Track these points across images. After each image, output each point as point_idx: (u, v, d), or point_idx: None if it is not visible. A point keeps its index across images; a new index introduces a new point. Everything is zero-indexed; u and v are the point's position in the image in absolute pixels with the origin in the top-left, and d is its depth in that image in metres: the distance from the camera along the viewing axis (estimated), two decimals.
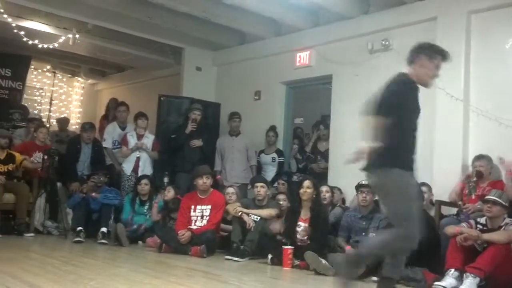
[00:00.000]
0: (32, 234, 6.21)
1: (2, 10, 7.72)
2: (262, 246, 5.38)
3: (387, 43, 6.40)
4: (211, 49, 9.01)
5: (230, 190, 6.16)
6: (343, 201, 6.32)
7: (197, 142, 7.09)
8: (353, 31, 6.85)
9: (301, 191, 5.25)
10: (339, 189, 6.32)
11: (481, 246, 4.15)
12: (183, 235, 5.51)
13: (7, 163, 6.39)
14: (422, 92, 3.35)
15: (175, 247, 5.51)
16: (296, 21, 7.42)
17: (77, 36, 8.36)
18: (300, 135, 8.14)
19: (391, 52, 6.35)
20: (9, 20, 7.95)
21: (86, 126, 7.25)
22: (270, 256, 5.15)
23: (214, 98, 8.79)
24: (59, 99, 11.92)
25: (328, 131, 7.14)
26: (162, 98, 8.14)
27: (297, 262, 4.93)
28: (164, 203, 6.28)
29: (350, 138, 6.65)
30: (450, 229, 4.39)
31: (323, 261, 4.62)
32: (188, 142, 7.07)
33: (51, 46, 8.67)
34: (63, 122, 9.03)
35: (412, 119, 3.24)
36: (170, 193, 6.24)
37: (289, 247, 5.01)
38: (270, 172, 7.31)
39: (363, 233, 5.01)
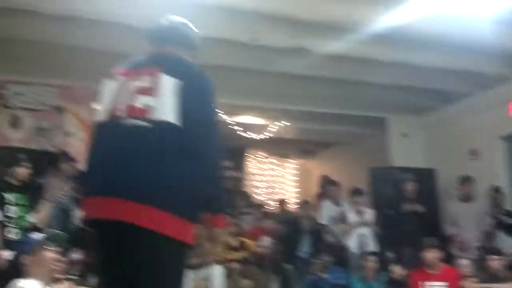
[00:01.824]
0: None
1: (220, 111, 8.75)
2: None
3: None
4: (415, 114, 8.81)
5: (464, 262, 5.71)
6: None
7: (419, 208, 6.85)
8: None
9: None
10: None
11: None
12: None
13: (240, 250, 6.91)
14: None
15: None
16: (502, 70, 6.90)
17: (286, 123, 8.96)
18: None
19: None
20: (226, 118, 8.94)
21: (302, 203, 7.58)
22: None
23: (425, 163, 8.46)
24: (275, 181, 12.73)
25: None
26: (373, 171, 8.11)
27: None
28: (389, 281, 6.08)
29: None
30: None
31: None
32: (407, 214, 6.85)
33: (264, 137, 9.44)
34: (282, 203, 9.57)
35: None
36: (396, 269, 6.04)
37: None
38: (503, 237, 6.61)
39: None
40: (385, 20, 5.31)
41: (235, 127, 9.31)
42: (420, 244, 6.07)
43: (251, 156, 12.30)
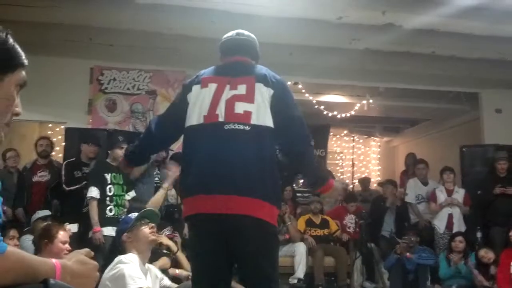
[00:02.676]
0: None
1: (303, 90, 8.78)
2: None
3: None
4: (509, 88, 8.34)
5: None
6: None
7: (509, 191, 6.54)
8: None
9: None
10: None
11: None
12: None
13: (323, 228, 7.00)
14: None
15: None
16: None
17: (370, 101, 8.82)
18: None
19: None
20: (310, 98, 8.96)
21: (386, 181, 7.50)
22: None
23: None
24: (358, 160, 12.61)
25: None
26: (464, 149, 7.82)
27: None
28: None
29: None
30: None
31: None
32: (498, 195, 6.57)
33: (348, 115, 9.36)
34: (365, 182, 9.49)
35: None
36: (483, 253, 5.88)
37: None
38: None
39: None
40: None
41: (320, 106, 9.31)
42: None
43: (334, 135, 12.25)
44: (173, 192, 6.24)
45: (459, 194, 6.80)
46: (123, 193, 5.36)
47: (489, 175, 6.99)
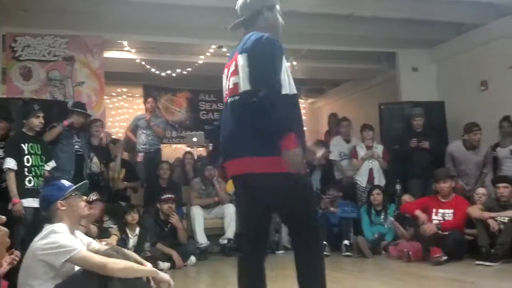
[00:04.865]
0: (282, 251, 6.78)
1: (228, 54, 8.74)
2: None
3: None
4: (425, 47, 8.72)
5: (481, 190, 5.86)
6: None
7: (425, 145, 6.93)
8: None
9: None
10: None
11: None
12: (428, 226, 5.40)
13: None
14: None
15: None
16: None
17: (294, 63, 8.94)
18: None
19: None
20: None
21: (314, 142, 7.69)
22: None
23: (436, 97, 8.47)
24: None
25: None
26: (382, 107, 8.14)
27: None
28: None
29: None
30: None
31: None
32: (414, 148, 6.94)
33: None
34: None
35: None
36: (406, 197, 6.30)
37: None
38: (509, 166, 6.68)
39: None
40: None
41: None
42: (429, 176, 6.25)
43: None
44: (95, 160, 6.14)
45: (378, 150, 7.12)
46: (42, 163, 5.19)
47: (406, 130, 7.35)
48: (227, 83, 2.68)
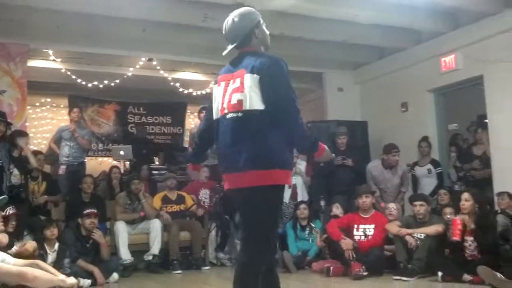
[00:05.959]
0: (208, 267, 6.76)
1: (158, 67, 8.69)
2: (431, 264, 5.24)
3: None
4: (350, 69, 9.09)
5: (392, 205, 6.12)
6: None
7: (349, 162, 7.16)
8: (499, 27, 6.51)
9: (460, 204, 5.10)
10: (509, 194, 5.92)
11: None
12: (345, 242, 5.61)
13: (179, 203, 7.06)
14: None
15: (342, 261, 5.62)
16: (434, 26, 7.25)
17: None
18: (458, 142, 7.71)
19: None
20: (165, 75, 8.90)
21: None
22: (440, 273, 5.00)
23: (359, 116, 8.81)
24: None
25: (486, 134, 6.76)
26: (309, 125, 8.34)
27: (469, 278, 4.75)
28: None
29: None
30: None
31: (498, 274, 4.39)
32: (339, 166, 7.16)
33: (204, 92, 9.47)
34: None
35: None
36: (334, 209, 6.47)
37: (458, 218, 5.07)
38: (426, 185, 7.06)
39: None
40: None
41: (176, 83, 9.29)
42: (352, 193, 6.47)
43: (192, 112, 12.29)
44: (16, 172, 5.88)
45: (301, 166, 7.28)
46: None
47: (331, 148, 7.54)
48: (226, 98, 2.74)
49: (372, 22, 6.93)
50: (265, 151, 2.62)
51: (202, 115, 8.02)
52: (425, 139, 7.35)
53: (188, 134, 9.51)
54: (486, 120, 6.85)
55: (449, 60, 7.30)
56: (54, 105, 10.87)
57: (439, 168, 7.14)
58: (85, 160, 7.81)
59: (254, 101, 2.64)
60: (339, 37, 7.52)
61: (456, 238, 5.00)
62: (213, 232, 6.93)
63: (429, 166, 7.16)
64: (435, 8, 6.78)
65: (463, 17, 7.01)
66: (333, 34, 7.36)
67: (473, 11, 6.62)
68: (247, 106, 2.65)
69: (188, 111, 11.70)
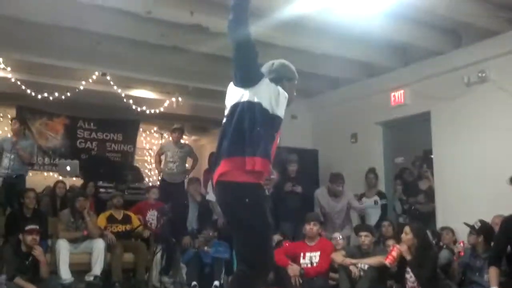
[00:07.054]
0: None
1: (112, 83, 8.55)
2: None
3: (483, 74, 6.25)
4: (304, 97, 9.20)
5: (337, 235, 6.20)
6: (455, 242, 6.08)
7: (298, 189, 7.23)
8: (446, 66, 6.79)
9: (402, 236, 5.23)
10: (452, 230, 6.11)
11: None
12: (292, 268, 5.61)
13: (124, 223, 6.90)
14: None
15: None
16: (386, 61, 7.49)
17: (179, 99, 8.97)
18: (405, 176, 7.91)
19: (489, 84, 6.20)
20: (119, 91, 8.77)
21: (193, 179, 7.71)
22: None
23: (311, 144, 8.93)
24: None
25: (431, 170, 6.99)
26: None
27: None
28: None
29: (456, 175, 6.51)
30: None
31: None
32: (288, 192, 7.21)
33: (157, 111, 9.38)
34: None
35: None
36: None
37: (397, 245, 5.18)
38: (373, 215, 7.21)
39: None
40: (289, 9, 5.48)
41: (129, 101, 9.16)
42: (300, 220, 6.50)
43: (144, 131, 12.16)
44: None
45: None
46: None
47: (281, 175, 7.62)
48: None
49: (328, 53, 7.09)
50: (232, 140, 2.82)
51: (174, 135, 7.97)
52: (372, 170, 7.52)
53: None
54: (432, 156, 7.09)
55: (398, 95, 7.55)
56: (1, 115, 10.49)
57: (384, 199, 7.31)
58: (26, 174, 7.52)
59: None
60: (295, 65, 7.55)
61: (389, 261, 5.08)
62: (159, 255, 6.78)
63: (376, 197, 7.32)
64: (388, 43, 7.03)
65: (413, 54, 7.28)
66: (289, 62, 7.45)
67: (423, 48, 6.88)
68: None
69: (141, 129, 11.55)
